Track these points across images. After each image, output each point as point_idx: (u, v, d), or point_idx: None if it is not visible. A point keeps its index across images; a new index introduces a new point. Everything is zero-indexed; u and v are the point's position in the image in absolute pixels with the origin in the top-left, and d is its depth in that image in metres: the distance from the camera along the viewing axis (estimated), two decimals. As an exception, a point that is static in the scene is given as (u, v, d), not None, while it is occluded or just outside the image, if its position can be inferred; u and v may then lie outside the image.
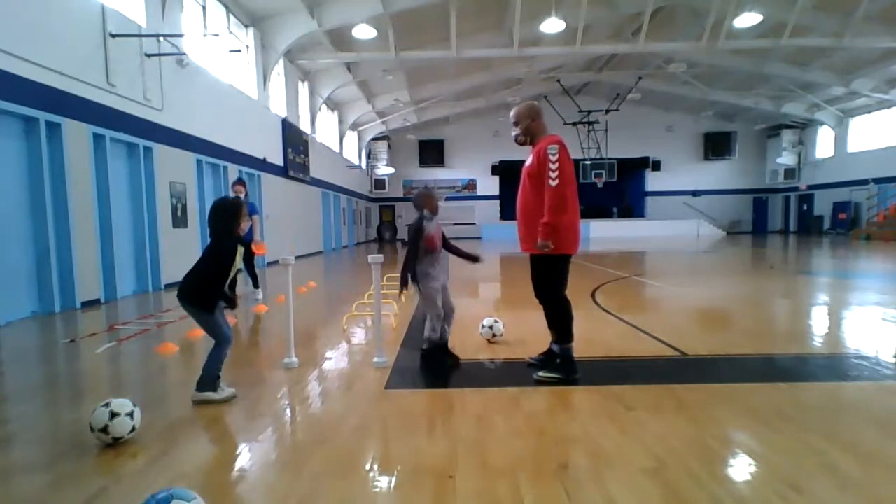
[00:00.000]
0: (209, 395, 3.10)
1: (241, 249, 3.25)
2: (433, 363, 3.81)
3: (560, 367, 3.38)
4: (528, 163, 3.45)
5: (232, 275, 3.21)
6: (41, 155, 6.37)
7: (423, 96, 22.20)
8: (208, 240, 3.26)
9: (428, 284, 3.78)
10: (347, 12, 13.12)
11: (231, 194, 6.94)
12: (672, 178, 29.65)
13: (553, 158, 3.20)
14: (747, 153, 29.34)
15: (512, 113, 3.54)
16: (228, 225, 3.15)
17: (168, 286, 8.63)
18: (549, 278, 3.43)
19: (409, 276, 3.76)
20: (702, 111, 27.48)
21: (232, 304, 3.32)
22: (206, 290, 3.11)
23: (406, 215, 29.92)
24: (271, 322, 5.83)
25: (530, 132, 3.46)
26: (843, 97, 22.00)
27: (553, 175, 3.19)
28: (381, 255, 3.87)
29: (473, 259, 4.11)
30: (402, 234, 28.31)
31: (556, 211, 3.20)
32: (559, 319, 3.44)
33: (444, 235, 4.01)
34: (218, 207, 3.20)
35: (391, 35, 14.23)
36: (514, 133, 3.53)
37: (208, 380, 3.11)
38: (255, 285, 7.40)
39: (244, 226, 3.24)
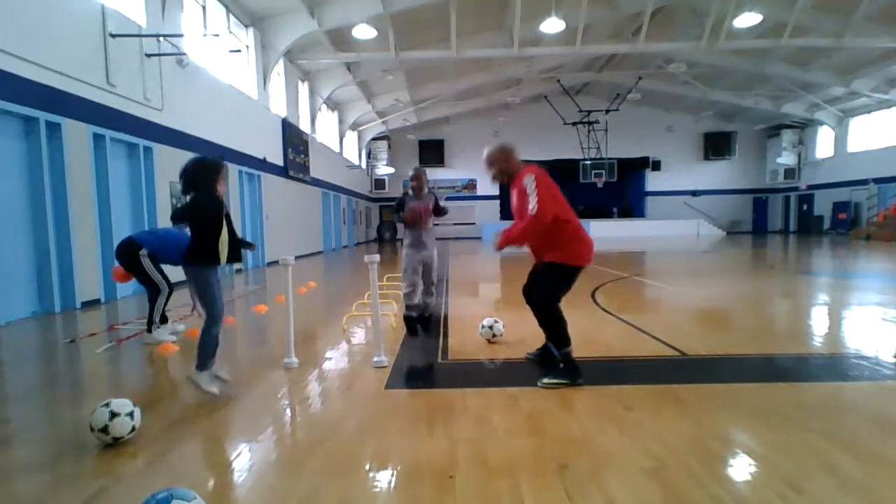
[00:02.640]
0: (197, 377, 3.10)
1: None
2: (409, 326, 4.38)
3: (564, 371, 3.36)
4: (513, 200, 3.49)
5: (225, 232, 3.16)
6: (41, 155, 6.37)
7: (423, 96, 22.19)
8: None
9: (407, 254, 4.36)
10: (347, 12, 13.12)
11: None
12: (672, 178, 29.63)
13: (531, 188, 3.25)
14: (747, 153, 29.33)
15: (484, 156, 3.56)
16: (205, 179, 3.12)
17: (168, 286, 8.62)
18: (552, 286, 3.43)
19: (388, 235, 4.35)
20: (702, 111, 27.46)
21: (248, 245, 3.50)
22: (200, 247, 3.11)
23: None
24: (271, 322, 5.83)
25: (505, 172, 3.51)
26: (843, 97, 21.99)
27: (532, 204, 3.22)
28: (377, 255, 3.89)
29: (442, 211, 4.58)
30: (402, 235, 28.30)
31: (525, 236, 3.28)
32: (552, 326, 3.43)
33: (435, 207, 4.43)
34: (197, 164, 3.17)
35: (391, 35, 14.22)
36: (489, 175, 3.58)
37: (201, 359, 3.12)
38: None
39: (222, 188, 3.20)
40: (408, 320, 4.45)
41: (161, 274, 4.73)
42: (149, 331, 4.72)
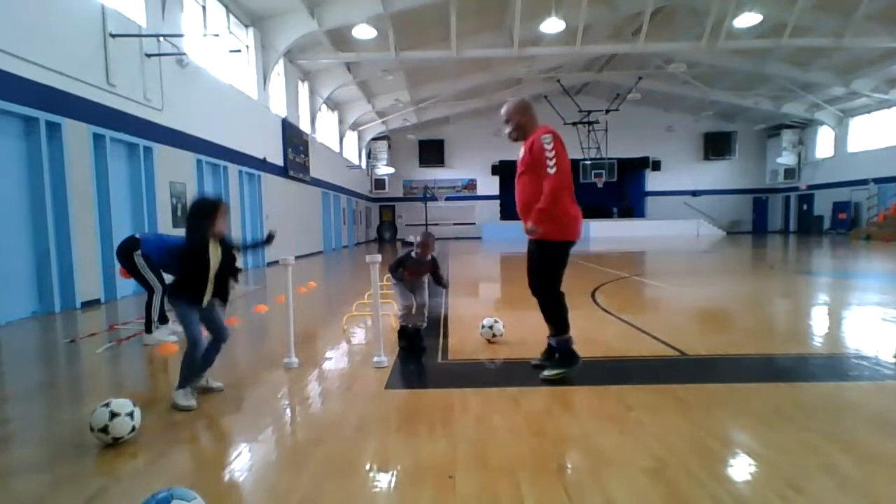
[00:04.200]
0: (174, 395, 3.07)
1: (217, 254, 3.19)
2: (401, 345, 4.27)
3: (561, 361, 3.38)
4: (521, 156, 3.48)
5: (212, 272, 3.16)
6: (41, 155, 6.37)
7: (423, 96, 22.19)
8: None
9: (395, 286, 4.34)
10: (347, 12, 13.12)
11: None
12: (672, 178, 29.65)
13: (549, 147, 3.23)
14: (747, 153, 29.33)
15: (502, 111, 3.57)
16: (198, 223, 3.13)
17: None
18: (547, 267, 3.43)
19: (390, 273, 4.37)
20: (702, 111, 27.47)
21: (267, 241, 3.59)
22: (176, 285, 3.19)
23: (406, 216, 29.93)
24: (271, 322, 5.83)
25: (521, 127, 3.49)
26: (843, 97, 21.99)
27: (551, 163, 3.21)
28: (378, 255, 3.88)
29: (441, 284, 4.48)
30: (402, 234, 28.33)
31: (554, 199, 3.22)
32: (554, 312, 3.44)
33: (435, 276, 4.35)
34: (193, 205, 3.21)
35: (391, 35, 14.22)
36: (506, 130, 3.56)
37: (181, 378, 3.09)
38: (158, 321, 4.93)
39: (221, 227, 3.17)
40: (402, 330, 4.29)
41: (155, 274, 4.71)
42: (147, 331, 4.72)
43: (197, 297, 3.13)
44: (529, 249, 3.55)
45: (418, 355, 4.14)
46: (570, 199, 3.38)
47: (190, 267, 3.14)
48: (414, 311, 4.20)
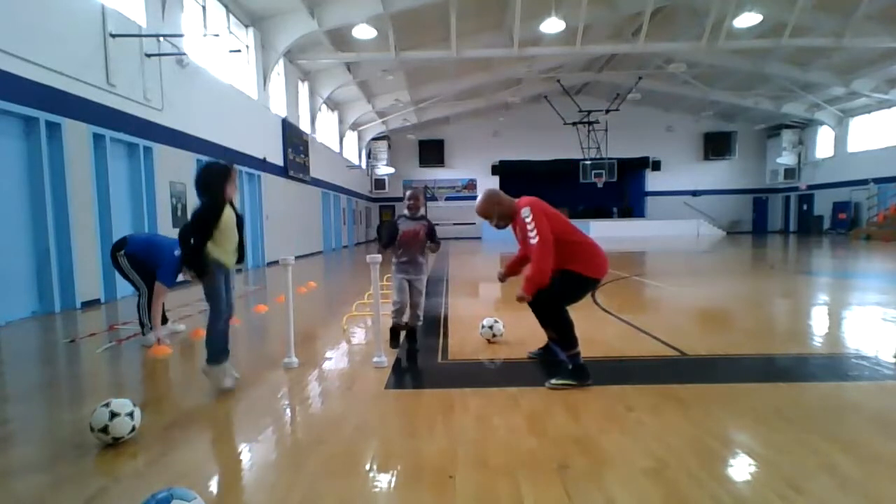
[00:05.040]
0: (209, 370, 3.14)
1: (232, 217, 3.27)
2: (394, 343, 4.29)
3: (571, 372, 3.35)
4: (517, 236, 3.56)
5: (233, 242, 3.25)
6: (41, 155, 6.37)
7: (423, 96, 22.19)
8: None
9: (393, 274, 4.30)
10: (347, 12, 13.12)
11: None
12: (672, 178, 29.64)
13: (528, 220, 3.29)
14: (747, 153, 29.33)
15: (478, 211, 3.62)
16: (215, 185, 3.22)
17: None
18: (562, 289, 3.42)
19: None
20: (702, 111, 27.46)
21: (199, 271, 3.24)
22: (191, 249, 3.19)
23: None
24: (271, 322, 5.83)
25: (504, 216, 3.55)
26: (843, 97, 21.99)
27: (532, 234, 3.26)
28: (379, 255, 3.88)
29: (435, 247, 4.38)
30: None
31: (541, 267, 3.25)
32: (559, 328, 3.42)
33: (430, 233, 4.29)
34: (203, 171, 3.28)
35: (391, 35, 14.22)
36: (492, 225, 3.62)
37: (211, 353, 3.16)
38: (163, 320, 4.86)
39: (231, 191, 3.29)
40: (393, 330, 4.32)
41: (140, 275, 4.66)
42: (143, 333, 4.69)
43: (218, 259, 3.21)
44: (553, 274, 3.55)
45: (412, 356, 4.15)
46: (586, 240, 3.46)
47: (205, 224, 3.17)
48: (406, 310, 4.23)
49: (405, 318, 4.28)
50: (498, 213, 3.54)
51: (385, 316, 4.34)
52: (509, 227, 3.62)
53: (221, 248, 3.26)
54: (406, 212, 4.26)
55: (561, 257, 3.32)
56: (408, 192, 4.30)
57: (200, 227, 3.18)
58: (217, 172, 3.26)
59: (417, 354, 4.17)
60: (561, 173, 27.44)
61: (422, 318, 4.39)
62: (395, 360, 3.96)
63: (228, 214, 3.27)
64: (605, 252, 3.52)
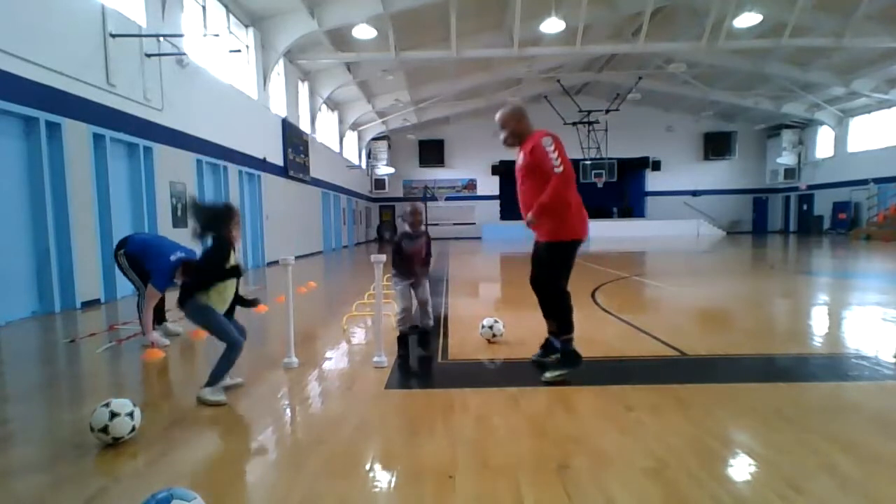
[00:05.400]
0: (202, 392, 3.10)
1: (236, 260, 3.24)
2: (404, 353, 4.14)
3: (563, 362, 3.38)
4: (519, 161, 3.49)
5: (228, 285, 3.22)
6: (41, 155, 6.37)
7: (423, 96, 22.19)
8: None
9: (398, 281, 4.27)
10: (347, 12, 13.12)
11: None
12: (672, 178, 29.65)
13: (551, 149, 3.25)
14: (747, 153, 29.34)
15: (497, 117, 3.57)
16: (223, 227, 3.18)
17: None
18: (553, 266, 3.44)
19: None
20: (702, 111, 27.47)
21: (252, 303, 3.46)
22: (189, 286, 3.16)
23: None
24: (271, 322, 5.83)
25: (517, 133, 3.50)
26: (843, 97, 22.00)
27: (557, 163, 3.22)
28: (383, 255, 3.88)
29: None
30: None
31: (557, 194, 3.23)
32: (559, 311, 3.44)
33: (426, 251, 4.30)
34: (215, 210, 3.24)
35: (391, 35, 14.22)
36: (501, 136, 3.56)
37: (211, 377, 3.13)
38: (161, 319, 4.96)
39: (236, 234, 3.24)
40: (402, 339, 4.22)
41: (139, 274, 4.66)
42: (143, 332, 4.68)
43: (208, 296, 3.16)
44: (536, 247, 3.55)
45: (426, 357, 4.08)
46: (576, 198, 3.41)
47: (218, 270, 3.15)
48: (414, 311, 4.15)
49: (414, 321, 4.18)
50: (513, 128, 3.48)
51: (387, 316, 4.34)
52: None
53: (220, 297, 3.21)
54: (408, 229, 4.16)
55: (549, 221, 3.33)
56: (408, 208, 4.17)
57: (212, 270, 3.14)
58: (228, 214, 3.20)
59: (421, 355, 4.13)
60: (561, 173, 27.38)
61: (433, 317, 4.33)
62: (395, 360, 3.95)
63: (234, 258, 3.21)
64: (585, 212, 3.48)
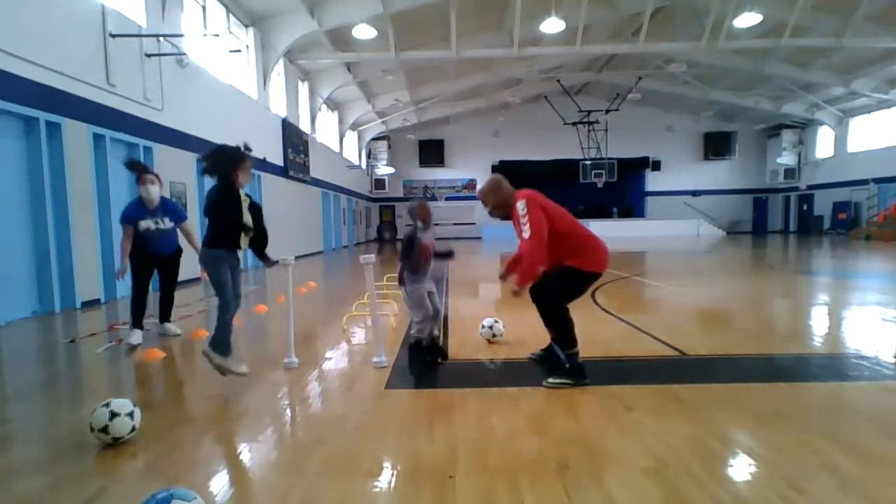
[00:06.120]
0: (220, 360, 3.11)
1: (246, 201, 3.25)
2: (420, 359, 3.86)
3: (569, 372, 3.35)
4: (515, 228, 3.49)
5: (245, 217, 3.23)
6: (41, 155, 6.37)
7: (423, 96, 22.20)
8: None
9: (416, 288, 3.87)
10: (347, 12, 13.12)
11: (141, 189, 4.67)
12: (672, 178, 29.64)
13: (522, 213, 3.26)
14: (747, 153, 29.34)
15: (478, 194, 3.64)
16: (226, 164, 3.18)
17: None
18: (563, 287, 3.41)
19: (399, 279, 3.94)
20: (702, 111, 27.47)
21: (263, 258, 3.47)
22: (222, 231, 3.17)
23: (406, 216, 29.89)
24: (271, 322, 5.83)
25: (499, 205, 3.52)
26: (843, 97, 22.00)
27: (525, 228, 3.23)
28: (372, 255, 3.89)
29: (448, 255, 4.26)
30: (402, 234, 28.29)
31: (534, 259, 3.24)
32: (559, 326, 3.41)
33: (433, 246, 4.13)
34: (220, 149, 3.24)
35: (391, 35, 14.22)
36: (487, 211, 3.60)
37: (217, 341, 3.14)
38: (165, 317, 5.16)
39: (245, 179, 3.24)
40: (417, 350, 3.93)
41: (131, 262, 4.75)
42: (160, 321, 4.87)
43: (233, 242, 3.17)
44: (552, 268, 3.49)
45: (441, 359, 3.97)
46: (586, 233, 3.43)
47: (223, 208, 3.14)
48: (430, 318, 3.91)
49: (427, 331, 3.93)
50: (493, 202, 3.52)
51: (384, 316, 4.33)
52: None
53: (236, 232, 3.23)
54: (420, 223, 3.95)
55: (560, 252, 3.31)
56: (415, 204, 3.99)
57: (221, 213, 3.14)
58: (232, 154, 3.20)
59: (422, 356, 3.92)
60: (561, 173, 27.41)
61: (436, 324, 4.12)
62: (395, 360, 3.95)
63: (243, 198, 3.23)
64: (605, 245, 3.48)
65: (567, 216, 3.42)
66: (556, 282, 3.39)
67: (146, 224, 4.68)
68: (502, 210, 3.51)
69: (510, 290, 3.35)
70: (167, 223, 4.79)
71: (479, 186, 3.61)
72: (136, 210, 4.69)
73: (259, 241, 3.35)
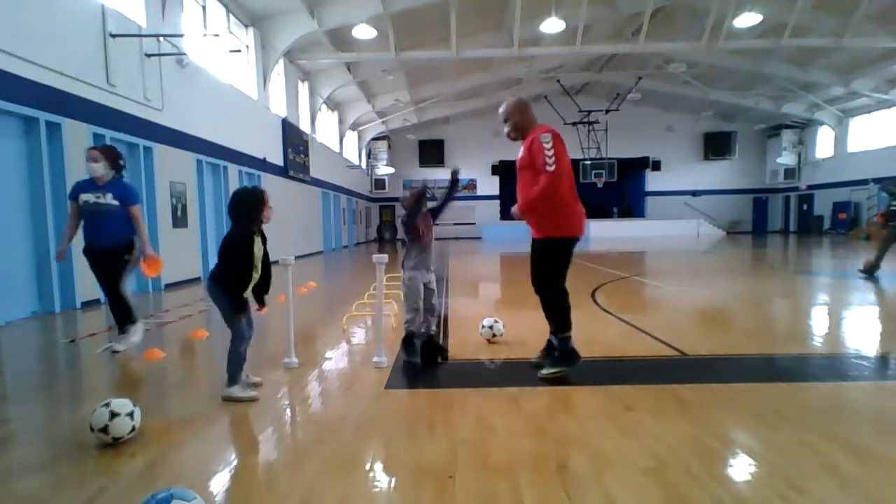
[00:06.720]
0: (230, 391, 3.11)
1: (260, 247, 3.22)
2: (411, 352, 3.92)
3: (560, 359, 3.37)
4: (520, 155, 3.48)
5: (256, 275, 3.21)
6: (41, 155, 6.37)
7: (423, 96, 22.20)
8: (215, 241, 3.26)
9: (413, 276, 3.91)
10: (347, 12, 13.12)
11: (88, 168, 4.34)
12: (672, 178, 29.65)
13: (548, 146, 3.23)
14: (747, 153, 29.34)
15: (500, 110, 3.59)
16: (247, 214, 3.15)
17: (168, 286, 8.63)
18: (549, 264, 3.43)
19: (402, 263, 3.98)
20: (702, 111, 27.47)
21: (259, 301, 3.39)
22: (232, 279, 3.14)
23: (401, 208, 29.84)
24: (271, 322, 5.83)
25: (520, 127, 3.50)
26: (843, 97, 22.00)
27: (550, 161, 3.20)
28: (384, 255, 3.85)
29: (454, 181, 4.14)
30: (402, 234, 28.28)
31: (544, 194, 3.23)
32: (556, 310, 3.43)
33: (430, 221, 4.08)
34: (239, 196, 3.20)
35: (391, 35, 14.23)
36: (504, 130, 3.57)
37: (230, 376, 3.13)
38: (121, 325, 4.54)
39: (267, 214, 3.21)
40: (409, 339, 3.95)
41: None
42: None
43: (241, 289, 3.16)
44: (533, 246, 3.55)
45: (441, 359, 3.93)
46: (572, 195, 3.40)
47: (236, 258, 3.13)
48: (421, 315, 3.90)
49: (417, 325, 3.92)
50: (516, 122, 3.49)
51: (387, 316, 4.32)
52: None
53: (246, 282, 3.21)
54: (432, 194, 3.99)
55: (544, 218, 3.33)
56: (405, 195, 4.00)
57: (236, 260, 3.12)
58: (254, 200, 3.17)
59: (422, 356, 3.93)
60: (561, 173, 27.38)
61: (433, 323, 4.08)
62: (395, 360, 3.95)
63: (258, 247, 3.19)
64: (582, 209, 3.46)
65: (572, 174, 3.40)
66: (544, 260, 3.43)
67: (85, 196, 4.30)
68: (520, 133, 3.50)
69: (512, 212, 3.41)
70: (109, 199, 4.31)
71: (502, 108, 3.54)
72: (81, 184, 4.34)
73: (262, 285, 3.34)
